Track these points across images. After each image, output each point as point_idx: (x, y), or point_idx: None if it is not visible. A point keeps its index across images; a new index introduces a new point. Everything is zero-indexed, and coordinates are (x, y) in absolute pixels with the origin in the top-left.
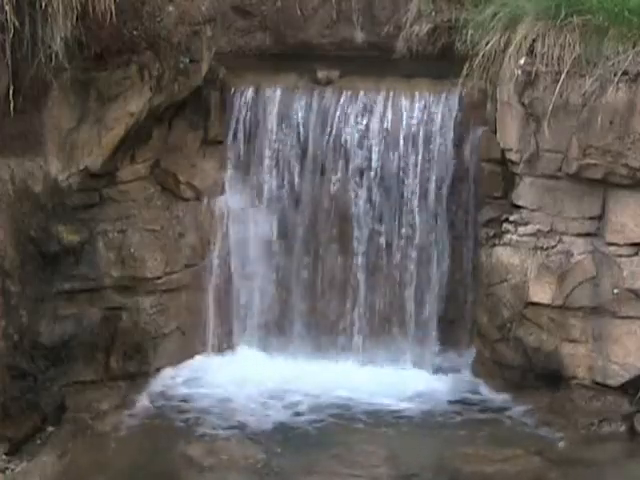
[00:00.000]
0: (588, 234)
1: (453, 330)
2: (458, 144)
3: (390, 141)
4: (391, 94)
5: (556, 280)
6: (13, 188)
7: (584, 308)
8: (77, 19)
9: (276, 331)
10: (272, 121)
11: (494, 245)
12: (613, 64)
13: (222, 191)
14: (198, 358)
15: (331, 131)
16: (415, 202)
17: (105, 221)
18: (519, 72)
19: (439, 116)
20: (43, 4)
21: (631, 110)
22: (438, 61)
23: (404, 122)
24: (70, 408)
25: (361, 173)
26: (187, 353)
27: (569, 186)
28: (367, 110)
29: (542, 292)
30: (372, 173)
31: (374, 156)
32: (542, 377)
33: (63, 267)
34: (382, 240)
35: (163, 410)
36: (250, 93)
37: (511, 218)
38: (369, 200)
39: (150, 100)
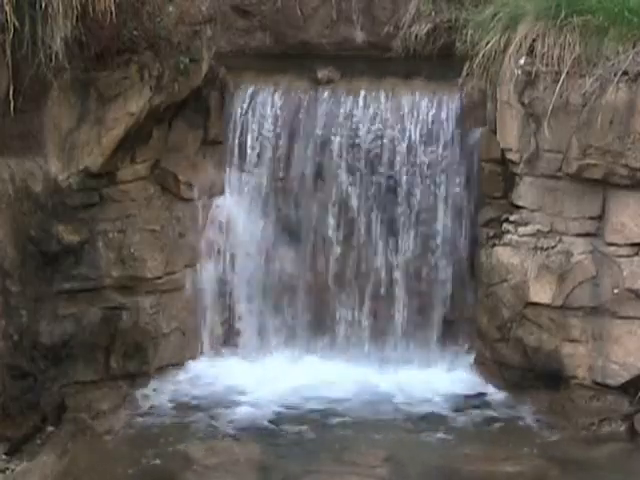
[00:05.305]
0: (588, 234)
1: (453, 330)
2: (458, 144)
3: (390, 141)
4: (390, 94)
5: (556, 280)
6: (13, 188)
7: (584, 308)
8: (77, 19)
9: (277, 331)
10: (272, 121)
11: (494, 245)
12: (613, 64)
13: (222, 191)
14: (198, 358)
15: (332, 131)
16: (414, 201)
17: (105, 221)
18: (519, 72)
19: (439, 116)
20: (43, 4)
21: (631, 110)
22: (438, 61)
23: (404, 122)
24: (70, 408)
25: (360, 173)
26: (187, 353)
27: (569, 186)
28: (366, 110)
29: (542, 292)
30: (372, 172)
31: (371, 156)
32: (542, 377)
33: (63, 267)
34: (381, 240)
35: (163, 410)
36: (250, 93)
37: (511, 218)
38: (369, 200)
39: (150, 100)
